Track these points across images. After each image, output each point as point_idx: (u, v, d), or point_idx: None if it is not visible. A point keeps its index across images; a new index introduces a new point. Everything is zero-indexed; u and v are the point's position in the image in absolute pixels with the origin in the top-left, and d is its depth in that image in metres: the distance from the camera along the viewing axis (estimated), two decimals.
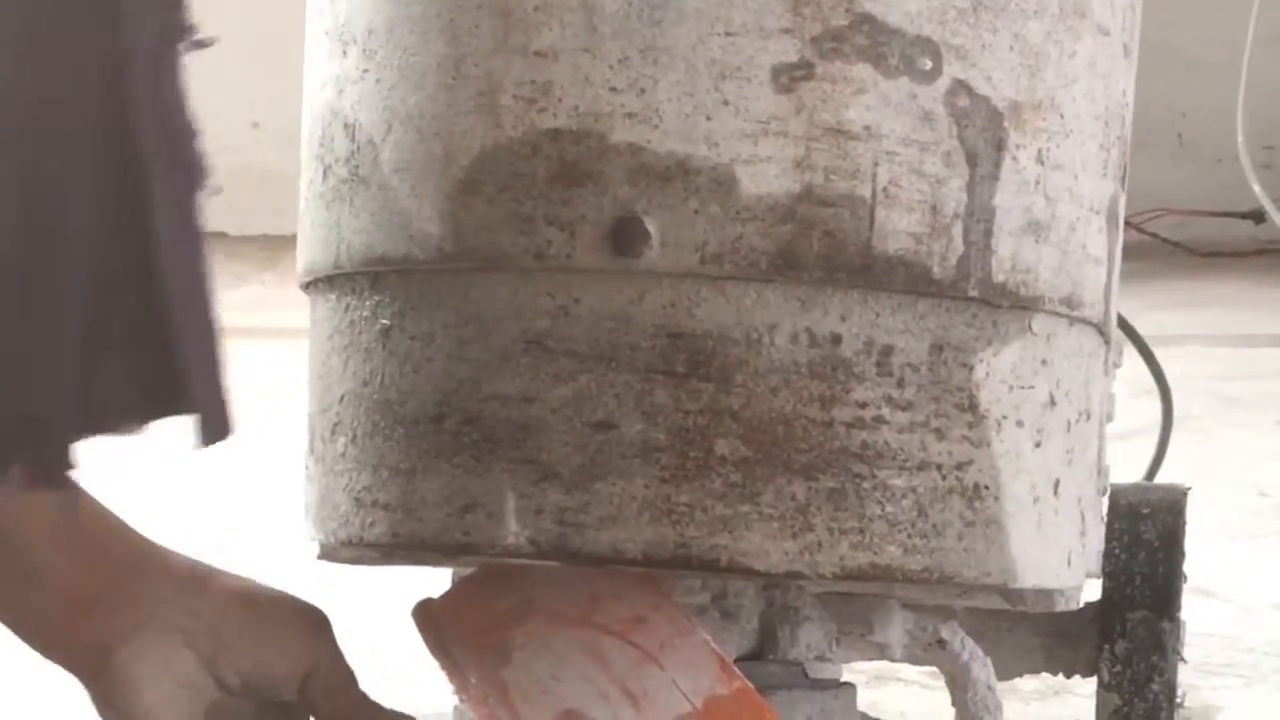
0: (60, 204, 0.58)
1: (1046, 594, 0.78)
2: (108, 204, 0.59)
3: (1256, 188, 2.71)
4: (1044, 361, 0.75)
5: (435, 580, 1.02)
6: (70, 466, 0.62)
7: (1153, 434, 1.32)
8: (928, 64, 0.71)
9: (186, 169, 0.62)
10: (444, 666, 0.72)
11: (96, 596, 0.69)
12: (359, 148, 0.75)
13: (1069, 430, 0.77)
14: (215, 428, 0.65)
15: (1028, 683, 1.17)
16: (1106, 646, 0.94)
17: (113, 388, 0.63)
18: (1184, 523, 0.97)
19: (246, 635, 0.71)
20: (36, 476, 0.62)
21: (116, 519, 0.67)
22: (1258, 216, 2.85)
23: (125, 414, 0.64)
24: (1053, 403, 0.76)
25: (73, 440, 0.62)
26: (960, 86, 0.71)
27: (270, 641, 0.70)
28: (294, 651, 0.70)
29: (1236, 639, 1.42)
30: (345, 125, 0.76)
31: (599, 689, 0.69)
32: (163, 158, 0.61)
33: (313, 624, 0.70)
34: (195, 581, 0.68)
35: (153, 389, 0.63)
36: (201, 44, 0.61)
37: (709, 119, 0.69)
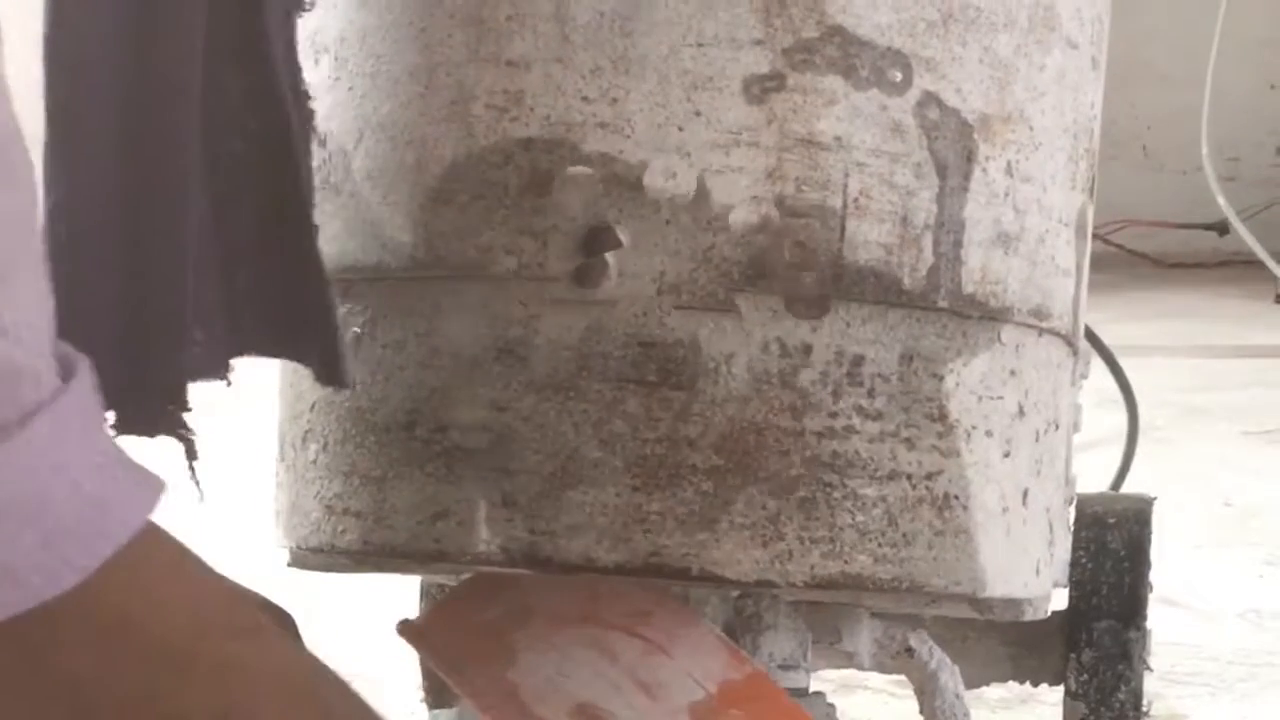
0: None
1: (1015, 603, 0.79)
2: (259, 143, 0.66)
3: (1221, 200, 2.73)
4: (1013, 372, 0.75)
5: (407, 586, 1.02)
6: (185, 409, 0.64)
7: (1118, 444, 1.33)
8: (898, 76, 0.71)
9: (307, 119, 0.68)
10: (447, 676, 0.72)
11: None
12: (330, 156, 0.75)
13: (1037, 440, 0.77)
14: (334, 366, 0.67)
15: (995, 691, 1.18)
16: (1073, 655, 0.94)
17: (211, 339, 0.66)
18: (1150, 532, 0.97)
19: None
20: (128, 424, 0.64)
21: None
22: (1222, 228, 2.87)
23: (245, 353, 0.67)
24: (1021, 413, 0.76)
25: (179, 386, 0.63)
26: (930, 98, 0.72)
27: None
28: None
29: (1201, 648, 1.43)
30: (316, 133, 0.75)
31: (610, 681, 0.69)
32: (297, 109, 0.67)
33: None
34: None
35: (281, 329, 0.66)
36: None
37: (681, 129, 0.70)
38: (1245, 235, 2.74)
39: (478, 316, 0.71)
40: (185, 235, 0.64)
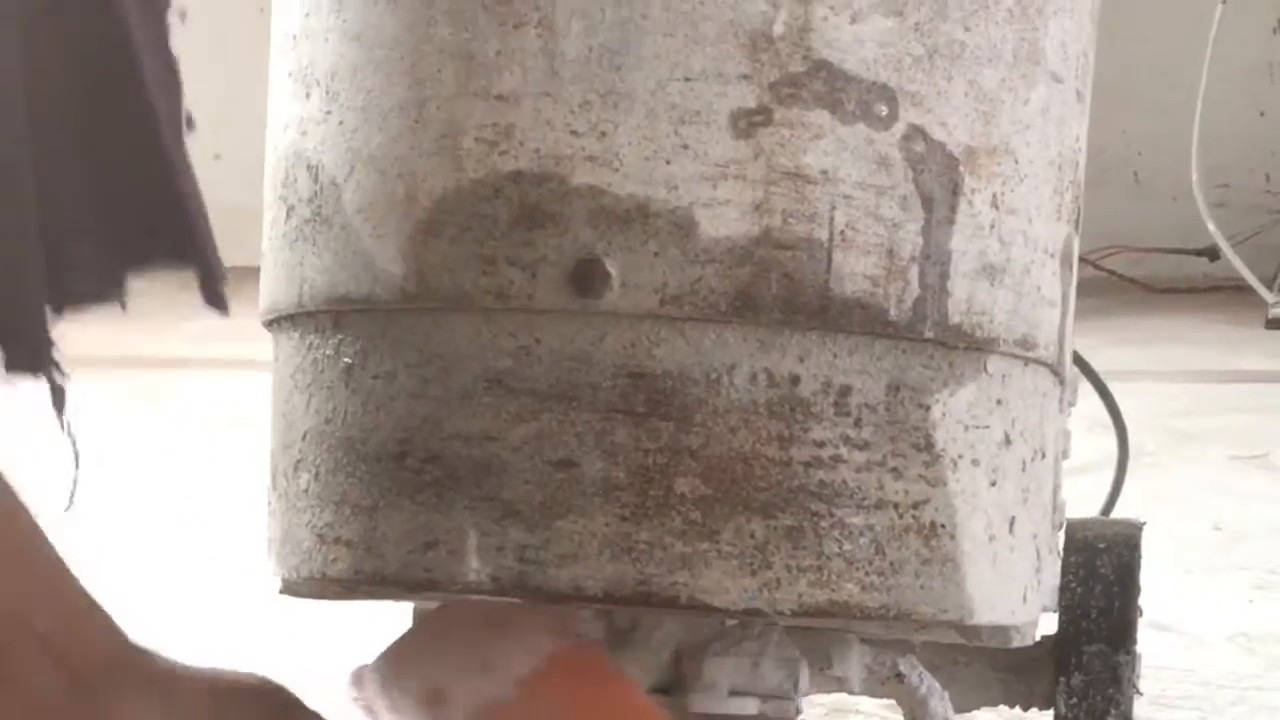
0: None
1: (1002, 630, 0.79)
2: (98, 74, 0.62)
3: (1210, 225, 2.74)
4: (999, 402, 0.76)
5: (402, 612, 1.02)
6: (51, 344, 0.62)
7: (1109, 469, 1.34)
8: (884, 110, 0.72)
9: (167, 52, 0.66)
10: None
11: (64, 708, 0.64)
12: (322, 188, 0.76)
13: (1024, 469, 0.78)
14: (215, 283, 0.65)
15: (985, 715, 1.18)
16: (1063, 679, 0.95)
17: (91, 254, 0.64)
18: (1139, 557, 0.98)
19: None
20: (16, 361, 0.61)
21: (103, 616, 0.64)
22: (1212, 254, 2.88)
23: (111, 274, 0.64)
24: (1008, 442, 0.77)
25: (49, 316, 0.62)
26: (916, 132, 0.72)
27: None
28: None
29: (1192, 672, 1.44)
30: (308, 166, 0.76)
31: (457, 666, 0.73)
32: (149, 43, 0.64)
33: (278, 704, 0.68)
34: (163, 684, 0.67)
35: (156, 241, 0.64)
36: None
37: (669, 162, 0.70)
38: (1235, 261, 2.76)
39: (468, 348, 0.72)
40: (20, 156, 0.61)
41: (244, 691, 0.67)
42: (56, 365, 0.63)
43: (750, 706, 0.82)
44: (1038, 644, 0.88)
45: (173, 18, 0.67)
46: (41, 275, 0.62)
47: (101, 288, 0.65)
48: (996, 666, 0.97)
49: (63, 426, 0.65)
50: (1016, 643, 0.81)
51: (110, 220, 0.65)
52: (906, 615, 0.73)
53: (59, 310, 0.63)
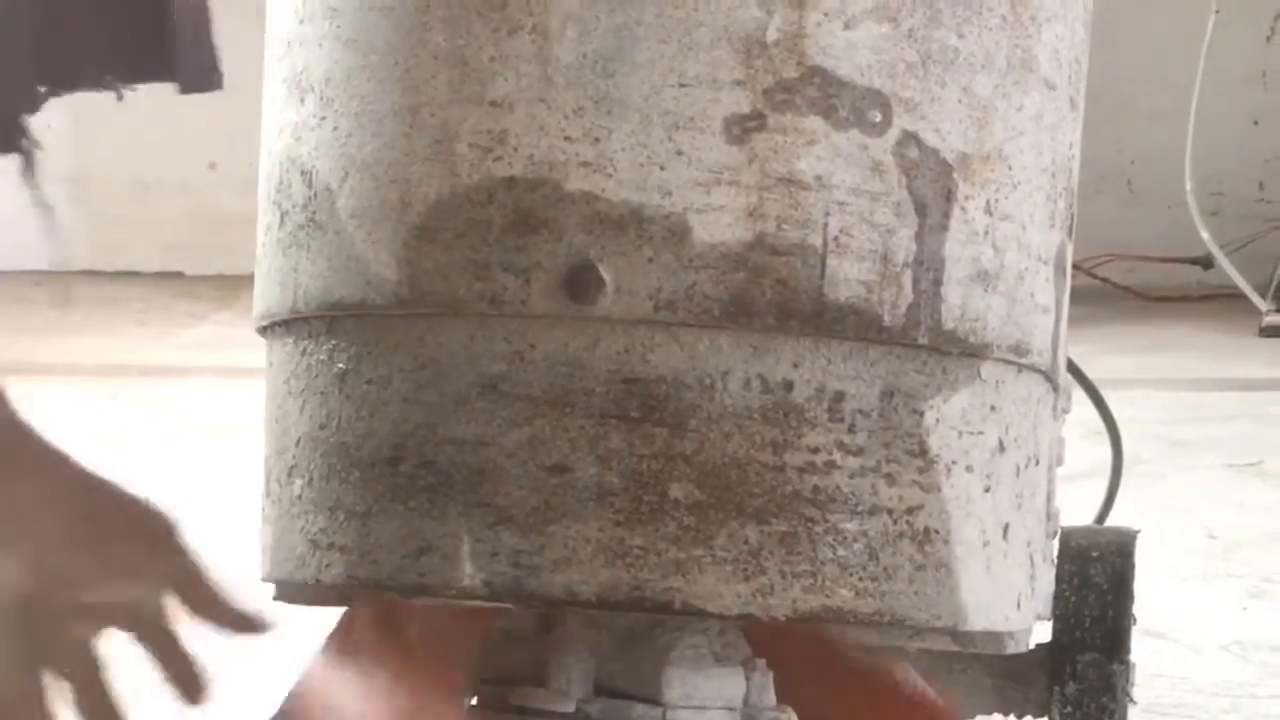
0: None
1: (996, 636, 0.79)
2: None
3: (1204, 234, 2.75)
4: (993, 408, 0.76)
5: None
6: (24, 116, 0.61)
7: (1103, 476, 1.34)
8: (878, 116, 0.72)
9: None
10: None
11: None
12: (316, 194, 0.76)
13: (1018, 475, 0.78)
14: (200, 72, 0.64)
15: None
16: (1058, 687, 0.95)
17: (85, 40, 0.63)
18: (1133, 565, 0.98)
19: (76, 541, 0.65)
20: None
21: None
22: (1206, 262, 2.88)
23: (101, 64, 0.63)
24: (1002, 448, 0.77)
25: (38, 94, 0.61)
26: (910, 138, 0.72)
27: (109, 547, 0.66)
28: (128, 562, 0.66)
29: (1185, 680, 1.44)
30: (303, 172, 0.76)
31: None
32: None
33: (156, 531, 0.67)
34: (51, 469, 0.65)
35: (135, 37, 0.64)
36: None
37: (662, 168, 0.70)
38: (1229, 269, 2.76)
39: (461, 353, 0.72)
40: None
41: (124, 501, 0.66)
42: (27, 136, 0.63)
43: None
44: (1032, 652, 0.88)
45: None
46: (26, 52, 0.62)
47: (96, 76, 0.65)
48: (991, 674, 0.97)
49: (35, 200, 0.64)
50: (1010, 649, 0.81)
51: (109, 25, 0.64)
52: (900, 621, 0.73)
53: (54, 91, 0.63)
